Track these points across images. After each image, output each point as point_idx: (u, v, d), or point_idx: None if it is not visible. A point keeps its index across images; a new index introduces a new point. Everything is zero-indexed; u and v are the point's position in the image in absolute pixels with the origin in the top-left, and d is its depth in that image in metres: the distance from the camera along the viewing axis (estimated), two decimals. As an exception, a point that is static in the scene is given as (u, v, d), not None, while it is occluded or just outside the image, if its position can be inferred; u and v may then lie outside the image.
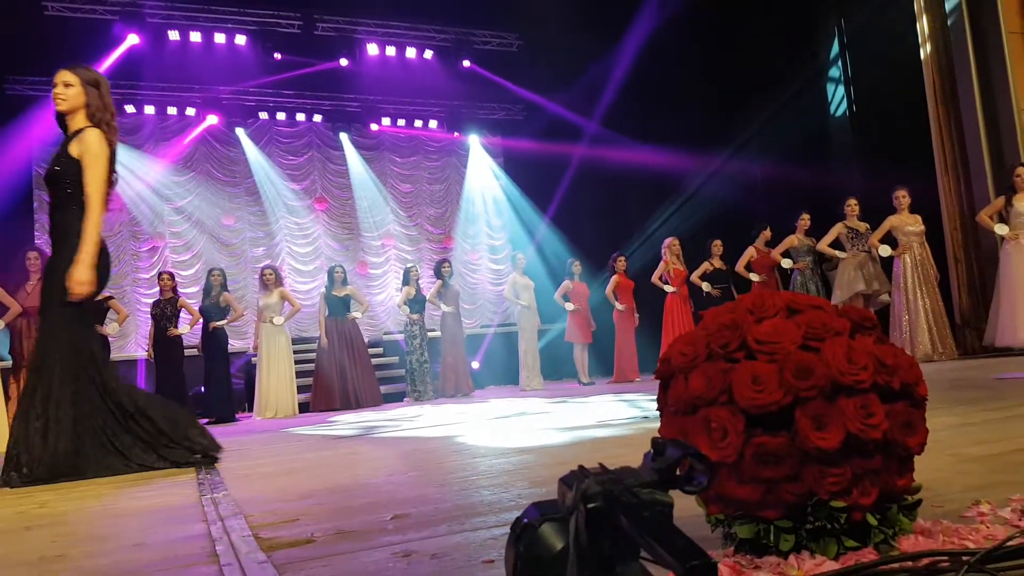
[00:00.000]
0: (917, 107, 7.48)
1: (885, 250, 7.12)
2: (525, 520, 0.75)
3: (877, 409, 1.01)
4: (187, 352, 8.01)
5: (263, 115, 11.49)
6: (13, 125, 9.82)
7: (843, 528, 1.03)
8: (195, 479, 2.86)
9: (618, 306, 8.83)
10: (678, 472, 0.69)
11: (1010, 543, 1.02)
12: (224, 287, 8.08)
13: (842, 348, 1.03)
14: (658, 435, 0.72)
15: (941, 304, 6.98)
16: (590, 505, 0.63)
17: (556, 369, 10.40)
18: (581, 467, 0.69)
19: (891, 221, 7.15)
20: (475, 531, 1.48)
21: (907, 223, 7.09)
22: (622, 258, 9.05)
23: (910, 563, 0.98)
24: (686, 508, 1.29)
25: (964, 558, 0.97)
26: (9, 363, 6.82)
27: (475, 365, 10.70)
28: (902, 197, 7.15)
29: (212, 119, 11.02)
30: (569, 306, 8.98)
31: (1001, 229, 6.34)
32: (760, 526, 1.06)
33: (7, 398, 6.37)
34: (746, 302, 1.17)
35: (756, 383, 1.04)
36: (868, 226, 7.38)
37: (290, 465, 3.12)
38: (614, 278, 8.92)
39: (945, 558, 0.98)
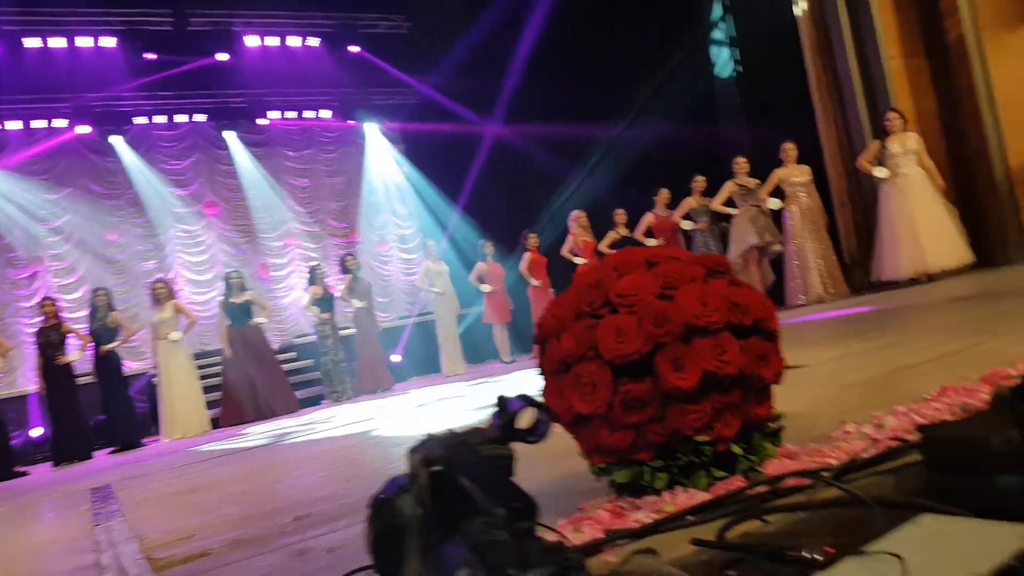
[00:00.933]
0: (797, 63, 7.81)
1: (774, 203, 7.45)
2: (382, 496, 0.74)
3: (731, 346, 1.05)
4: (82, 380, 7.57)
5: (140, 120, 10.83)
6: None
7: (711, 460, 1.08)
8: (90, 509, 2.72)
9: (533, 282, 8.90)
10: (524, 426, 0.69)
11: (863, 455, 1.09)
12: (111, 307, 7.64)
13: (695, 293, 1.07)
14: (503, 395, 0.72)
15: (831, 247, 7.37)
16: (432, 469, 0.63)
17: (478, 352, 10.41)
18: (430, 435, 0.69)
19: (777, 174, 7.47)
20: (375, 520, 1.46)
21: (793, 175, 7.42)
22: (532, 235, 9.11)
23: (774, 485, 1.03)
24: (580, 466, 1.31)
25: (823, 474, 1.03)
26: None
27: (396, 358, 10.58)
28: (789, 150, 7.47)
29: (84, 129, 10.35)
30: (484, 288, 8.99)
31: (880, 172, 6.70)
32: (636, 469, 1.10)
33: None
34: (611, 260, 1.20)
35: (619, 335, 1.06)
36: (758, 182, 7.68)
37: (192, 483, 3.01)
38: (527, 255, 8.97)
39: (806, 477, 1.04)
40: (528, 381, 4.84)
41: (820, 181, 7.55)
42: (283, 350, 10.07)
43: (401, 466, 2.07)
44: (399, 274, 12.43)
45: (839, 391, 1.89)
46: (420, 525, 0.62)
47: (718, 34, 9.35)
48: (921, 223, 6.36)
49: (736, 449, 1.09)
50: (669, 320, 1.05)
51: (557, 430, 1.29)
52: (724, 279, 1.14)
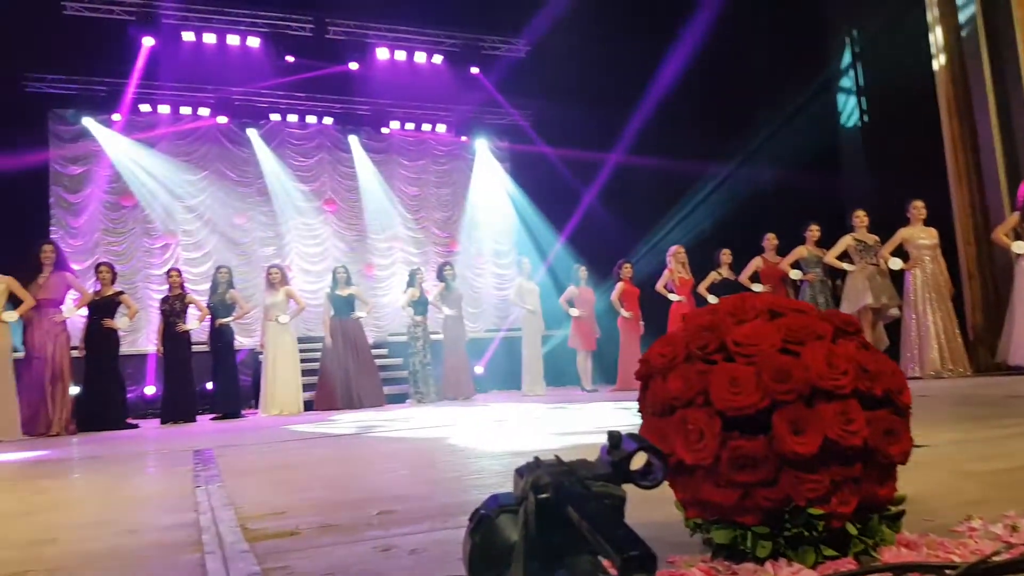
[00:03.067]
0: (930, 118, 7.39)
1: (895, 263, 7.01)
2: (483, 511, 0.74)
3: (857, 415, 0.99)
4: (196, 348, 8.06)
5: (275, 116, 11.58)
6: (32, 122, 9.96)
7: (821, 536, 1.01)
8: (192, 471, 2.87)
9: (623, 313, 8.79)
10: (635, 467, 0.68)
11: (995, 558, 0.99)
12: (230, 284, 8.13)
13: (822, 352, 1.01)
14: (615, 431, 0.71)
15: (954, 319, 6.82)
16: (540, 496, 0.62)
17: (559, 375, 10.36)
18: (536, 458, 0.68)
19: (902, 234, 7.04)
20: (457, 529, 1.46)
21: (919, 236, 6.97)
22: (628, 265, 9.02)
23: (891, 574, 0.95)
24: (670, 515, 1.27)
25: (947, 572, 0.95)
26: (22, 354, 6.83)
27: (479, 369, 10.67)
28: (918, 209, 7.01)
29: (223, 119, 11.13)
30: (573, 312, 8.96)
31: (1019, 247, 6.18)
32: (737, 532, 1.04)
33: (20, 389, 6.47)
34: (727, 304, 1.16)
35: (734, 385, 1.02)
36: (877, 239, 7.29)
37: (285, 460, 3.12)
38: (619, 285, 8.88)
39: (928, 571, 0.96)
40: (609, 413, 4.76)
41: (947, 247, 7.07)
42: (377, 345, 10.39)
43: (480, 478, 2.08)
44: (491, 287, 12.61)
45: (960, 479, 1.76)
46: (526, 550, 0.61)
47: (846, 82, 9.01)
48: (1064, 309, 5.78)
49: (851, 529, 1.01)
50: (792, 377, 1.00)
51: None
52: (854, 341, 1.08)
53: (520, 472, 0.67)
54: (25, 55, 9.66)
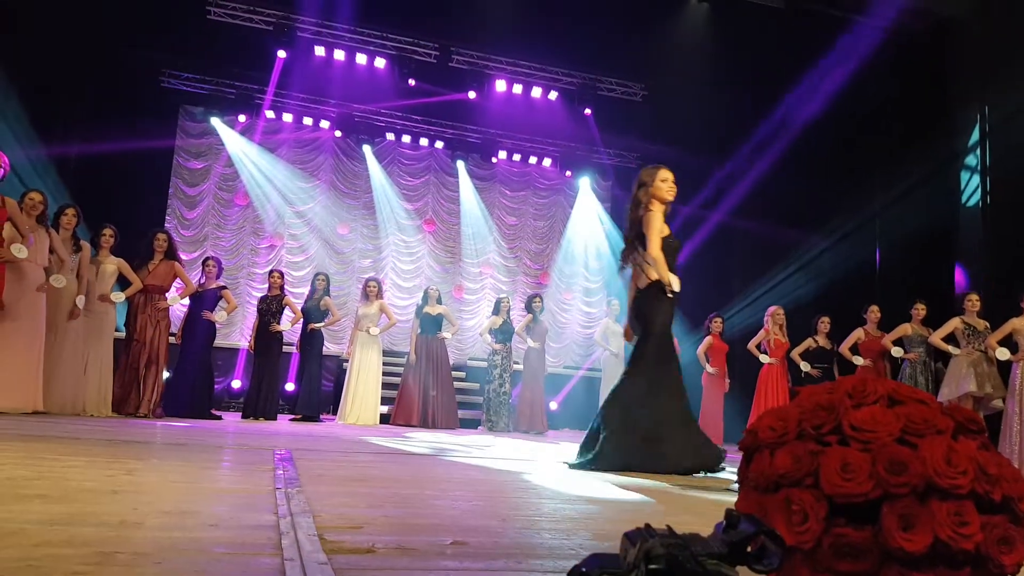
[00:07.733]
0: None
1: (1003, 353, 6.62)
2: (584, 569, 0.75)
3: (972, 518, 0.95)
4: (285, 348, 8.32)
5: (390, 136, 12.09)
6: (164, 115, 10.71)
7: (919, 640, 0.97)
8: (272, 471, 2.96)
9: (708, 369, 8.58)
10: (749, 549, 0.67)
11: None
12: (327, 292, 8.41)
13: (942, 448, 0.98)
14: (733, 508, 0.71)
15: (1061, 421, 6.40)
16: (652, 566, 0.62)
17: (636, 423, 10.16)
18: (648, 525, 0.69)
19: (1014, 323, 6.66)
20: (531, 572, 1.46)
21: (1031, 329, 6.59)
22: (718, 319, 8.82)
23: None
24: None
25: None
26: (122, 335, 7.11)
27: (553, 405, 10.63)
28: (1033, 301, 6.65)
29: (340, 133, 11.68)
30: (655, 361, 8.80)
31: None
32: (828, 621, 1.01)
33: (115, 368, 6.80)
34: (846, 384, 1.13)
35: (846, 471, 0.99)
36: (987, 324, 6.92)
37: (362, 472, 3.19)
38: (707, 339, 8.70)
39: None
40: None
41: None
42: (456, 367, 10.51)
43: (553, 522, 2.05)
44: (576, 324, 12.60)
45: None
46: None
47: (971, 160, 8.61)
48: None
49: (952, 635, 0.97)
50: (907, 470, 0.96)
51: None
52: (976, 440, 1.03)
53: (631, 538, 0.67)
54: (166, 52, 10.41)
